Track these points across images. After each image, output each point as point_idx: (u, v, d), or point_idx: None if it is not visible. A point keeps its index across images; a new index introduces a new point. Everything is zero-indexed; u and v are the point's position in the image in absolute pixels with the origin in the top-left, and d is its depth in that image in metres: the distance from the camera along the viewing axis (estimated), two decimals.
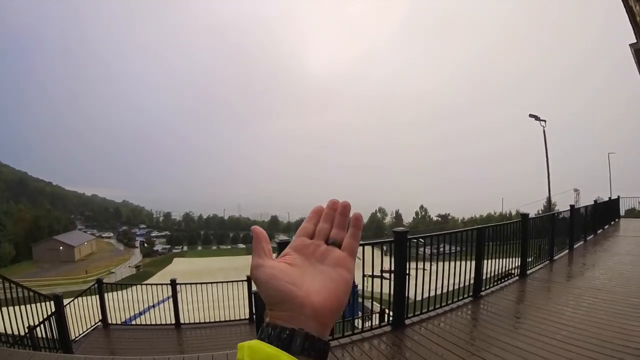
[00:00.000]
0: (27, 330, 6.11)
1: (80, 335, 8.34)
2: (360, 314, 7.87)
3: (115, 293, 9.84)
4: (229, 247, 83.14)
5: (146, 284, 10.96)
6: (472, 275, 6.21)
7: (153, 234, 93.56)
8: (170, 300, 9.54)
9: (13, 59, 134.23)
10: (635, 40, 8.17)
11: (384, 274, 5.34)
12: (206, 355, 4.55)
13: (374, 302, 8.90)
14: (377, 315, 6.96)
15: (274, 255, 0.57)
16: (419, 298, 5.48)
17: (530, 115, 26.66)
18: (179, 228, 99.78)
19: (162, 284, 10.17)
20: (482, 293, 6.25)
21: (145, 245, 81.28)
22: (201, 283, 10.24)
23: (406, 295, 5.16)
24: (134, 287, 10.88)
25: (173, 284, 9.56)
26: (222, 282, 10.07)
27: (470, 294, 6.15)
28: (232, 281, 10.04)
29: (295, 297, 0.50)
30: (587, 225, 11.34)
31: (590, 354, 3.79)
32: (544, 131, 26.43)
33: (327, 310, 0.51)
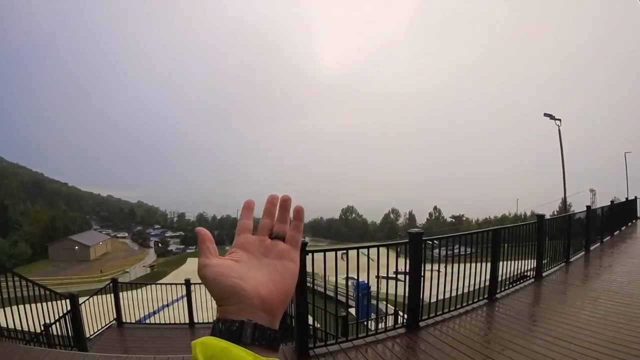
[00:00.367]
0: (42, 328, 6.20)
1: (94, 333, 8.45)
2: (373, 315, 7.85)
3: (129, 292, 9.96)
4: None
5: (160, 284, 11.06)
6: (487, 277, 6.14)
7: (167, 234, 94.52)
8: (184, 299, 9.60)
9: (28, 60, 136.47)
10: None
11: (398, 276, 5.31)
12: None
13: (388, 304, 8.87)
14: (391, 317, 6.92)
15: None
16: (433, 300, 5.44)
17: (545, 115, 26.35)
18: (193, 228, 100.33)
19: (175, 284, 10.25)
20: (497, 295, 6.18)
21: (160, 245, 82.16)
22: None
23: (421, 297, 5.13)
24: (148, 287, 10.99)
25: (187, 283, 9.62)
26: None
27: (485, 296, 6.08)
28: None
29: (242, 290, 0.52)
30: (603, 226, 11.15)
31: (607, 358, 3.73)
32: (559, 130, 26.14)
33: (275, 300, 0.53)
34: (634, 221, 15.36)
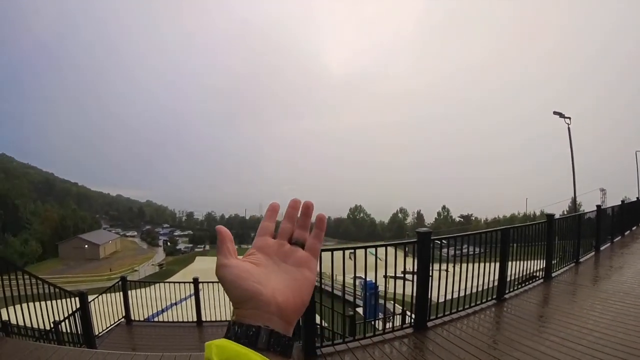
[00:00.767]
0: (52, 325, 6.26)
1: (103, 330, 8.53)
2: (381, 315, 7.83)
3: (138, 290, 10.02)
4: (250, 246, 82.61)
5: (169, 282, 11.12)
6: (496, 277, 6.11)
7: (176, 233, 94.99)
8: (192, 298, 9.65)
9: (38, 61, 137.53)
10: None
11: (405, 275, 5.30)
12: None
13: (395, 304, 8.86)
14: (398, 316, 6.91)
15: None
16: (441, 300, 5.42)
17: (555, 113, 26.08)
18: (202, 227, 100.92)
19: (184, 282, 10.31)
20: (506, 296, 6.13)
21: (169, 244, 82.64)
22: None
23: (429, 297, 5.11)
24: (156, 285, 11.06)
25: (195, 282, 9.67)
26: None
27: (494, 296, 6.04)
28: None
29: (260, 295, 0.52)
30: (613, 226, 11.03)
31: None
32: (568, 129, 25.87)
33: (290, 308, 0.53)
34: None
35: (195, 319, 9.49)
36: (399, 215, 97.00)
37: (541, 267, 7.21)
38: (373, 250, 5.16)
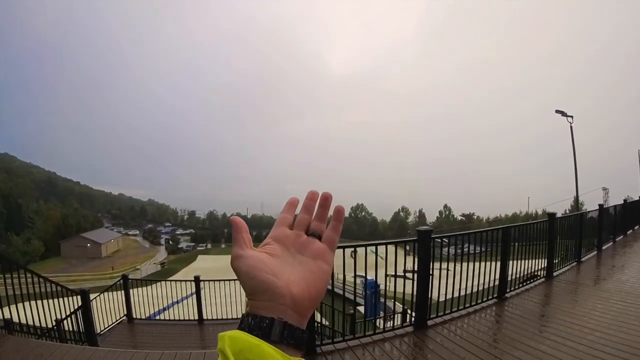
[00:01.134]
0: (54, 323, 6.29)
1: (105, 329, 8.55)
2: (382, 313, 7.84)
3: (140, 289, 10.05)
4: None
5: (170, 280, 11.14)
6: (497, 276, 6.10)
7: (178, 232, 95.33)
8: (194, 296, 9.67)
9: (41, 61, 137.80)
10: None
11: (406, 274, 5.29)
12: None
13: (396, 302, 8.88)
14: (399, 315, 6.91)
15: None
16: (442, 299, 5.42)
17: (557, 111, 26.00)
18: (203, 226, 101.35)
19: (186, 281, 10.33)
20: (507, 295, 6.12)
21: (170, 242, 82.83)
22: (224, 280, 10.36)
23: (429, 295, 5.10)
24: (158, 284, 11.09)
25: (196, 280, 9.69)
26: None
27: (495, 295, 6.04)
28: None
29: (275, 287, 0.51)
30: (616, 225, 11.00)
31: None
32: (571, 127, 25.77)
33: (305, 300, 0.53)
34: None
35: (196, 317, 9.51)
36: (401, 214, 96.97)
37: (543, 266, 7.20)
38: (373, 248, 5.15)
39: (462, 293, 5.56)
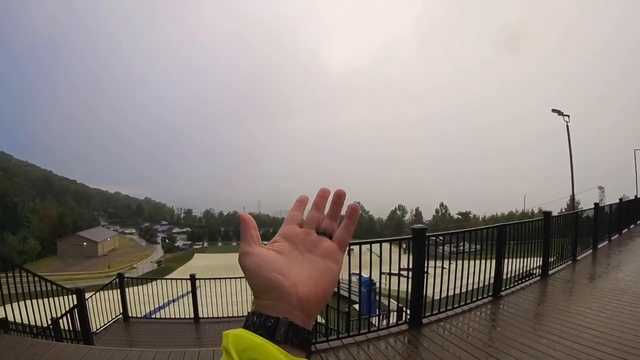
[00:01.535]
0: (50, 322, 6.27)
1: (101, 327, 8.53)
2: (377, 311, 7.83)
3: (136, 287, 10.02)
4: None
5: (167, 279, 11.13)
6: (492, 274, 6.11)
7: (174, 230, 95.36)
8: (190, 295, 9.66)
9: (38, 59, 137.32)
10: None
11: (402, 272, 5.29)
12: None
13: (392, 300, 8.88)
14: (395, 313, 6.91)
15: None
16: (437, 297, 5.42)
17: (553, 110, 26.05)
18: (200, 225, 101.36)
19: (182, 279, 10.32)
20: (502, 293, 6.13)
21: (167, 241, 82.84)
22: (220, 278, 10.35)
23: (424, 293, 5.11)
24: (154, 282, 11.06)
25: (192, 279, 9.67)
26: (241, 278, 10.14)
27: (490, 293, 6.05)
28: None
29: (281, 287, 0.50)
30: (611, 224, 11.05)
31: (613, 358, 3.69)
32: (567, 126, 25.83)
33: (312, 301, 0.51)
34: None
35: (192, 316, 9.50)
36: (398, 212, 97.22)
37: (538, 264, 7.22)
38: (370, 246, 5.15)
39: (458, 291, 5.56)
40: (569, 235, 8.42)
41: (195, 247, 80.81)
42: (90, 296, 7.92)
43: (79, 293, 6.97)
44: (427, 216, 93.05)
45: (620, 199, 12.86)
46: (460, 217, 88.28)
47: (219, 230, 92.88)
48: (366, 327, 4.93)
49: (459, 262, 5.70)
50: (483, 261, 6.02)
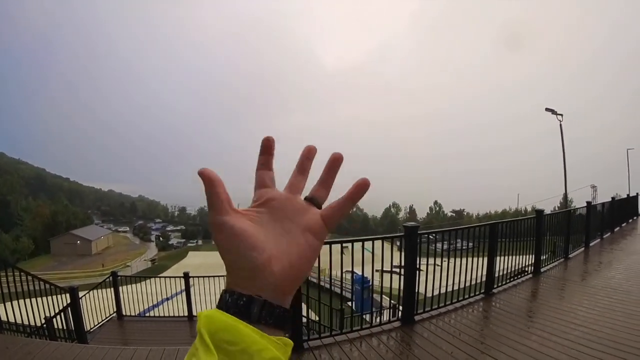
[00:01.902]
0: (43, 321, 6.25)
1: (95, 326, 8.50)
2: (370, 309, 7.85)
3: (130, 286, 9.99)
4: None
5: (161, 277, 11.11)
6: (485, 272, 6.14)
7: (168, 228, 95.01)
8: (184, 293, 9.65)
9: (32, 57, 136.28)
10: None
11: (395, 269, 5.31)
12: None
13: (384, 297, 8.91)
14: (388, 311, 6.93)
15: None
16: (430, 295, 5.45)
17: (547, 110, 26.21)
18: (194, 222, 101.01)
19: (176, 277, 10.30)
20: (494, 290, 6.17)
21: (161, 239, 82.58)
22: (214, 276, 10.35)
23: (416, 291, 5.13)
24: (149, 280, 11.04)
25: (186, 277, 9.68)
26: None
27: (482, 291, 6.09)
28: None
29: (255, 264, 0.45)
30: (604, 222, 11.14)
31: (603, 355, 3.72)
32: (560, 126, 26.00)
33: (287, 279, 0.47)
34: (634, 218, 15.32)
35: (186, 314, 9.50)
36: (392, 210, 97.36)
37: (530, 262, 7.27)
38: (362, 244, 5.16)
39: (450, 289, 5.59)
40: (561, 233, 8.48)
41: (189, 245, 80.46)
42: (84, 295, 7.88)
43: (73, 292, 6.94)
44: (421, 214, 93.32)
45: (613, 198, 12.97)
46: (454, 214, 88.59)
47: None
48: (359, 324, 4.94)
49: (452, 260, 5.74)
50: (476, 259, 6.06)
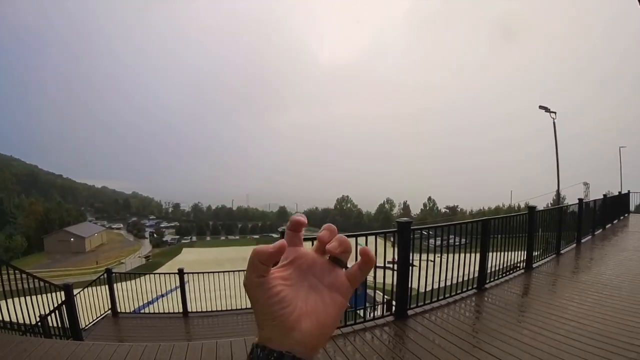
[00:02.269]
0: (38, 319, 6.24)
1: (90, 323, 8.49)
2: (365, 304, 7.91)
3: (125, 283, 10.00)
4: (237, 237, 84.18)
5: (155, 274, 11.12)
6: (477, 267, 6.21)
7: (162, 225, 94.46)
8: (179, 289, 9.67)
9: (25, 53, 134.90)
10: None
11: (388, 265, 5.35)
12: (210, 342, 4.60)
13: (378, 292, 8.98)
14: (381, 305, 6.99)
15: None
16: (423, 289, 5.50)
17: (541, 107, 26.40)
18: (188, 219, 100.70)
19: (170, 274, 10.31)
20: (487, 285, 6.24)
21: (155, 235, 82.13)
22: (209, 272, 10.37)
23: (409, 286, 5.18)
24: (143, 277, 11.04)
25: (180, 273, 9.68)
26: (229, 272, 10.21)
27: (475, 286, 6.15)
28: (239, 270, 10.14)
29: (286, 322, 0.48)
30: (595, 219, 11.26)
31: (593, 349, 3.77)
32: (554, 123, 26.19)
33: (315, 336, 0.50)
34: (626, 215, 15.48)
35: (181, 310, 9.52)
36: (386, 206, 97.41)
37: (522, 258, 7.34)
38: (356, 239, 5.21)
39: (443, 284, 5.65)
40: (553, 230, 8.57)
41: (183, 241, 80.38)
42: (79, 292, 7.87)
43: (67, 289, 6.94)
44: (416, 210, 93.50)
45: (605, 195, 13.09)
46: (447, 211, 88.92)
47: (207, 225, 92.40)
48: (353, 319, 4.99)
49: (445, 255, 5.79)
50: (468, 254, 6.12)
